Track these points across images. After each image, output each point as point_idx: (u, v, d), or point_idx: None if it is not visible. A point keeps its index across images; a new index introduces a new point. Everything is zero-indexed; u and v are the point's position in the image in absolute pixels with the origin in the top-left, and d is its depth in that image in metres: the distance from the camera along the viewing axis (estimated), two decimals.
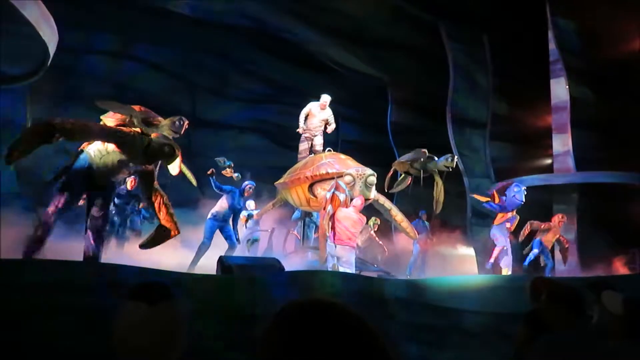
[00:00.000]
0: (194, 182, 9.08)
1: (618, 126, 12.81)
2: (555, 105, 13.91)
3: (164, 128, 6.56)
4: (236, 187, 9.24)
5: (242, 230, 9.87)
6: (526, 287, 3.26)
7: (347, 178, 8.02)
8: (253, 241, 10.04)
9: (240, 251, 9.48)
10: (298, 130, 9.92)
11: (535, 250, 10.98)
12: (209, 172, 9.06)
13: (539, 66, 14.06)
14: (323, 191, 8.43)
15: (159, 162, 6.38)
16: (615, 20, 12.98)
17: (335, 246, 7.51)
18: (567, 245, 11.49)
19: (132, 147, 5.83)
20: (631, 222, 12.65)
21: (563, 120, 13.55)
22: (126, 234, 9.55)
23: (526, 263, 10.78)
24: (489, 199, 10.79)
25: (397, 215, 9.03)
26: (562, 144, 13.53)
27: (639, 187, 12.47)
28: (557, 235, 11.23)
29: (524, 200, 10.20)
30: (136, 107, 6.59)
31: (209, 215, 8.92)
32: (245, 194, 9.19)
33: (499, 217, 10.48)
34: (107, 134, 5.82)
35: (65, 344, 3.39)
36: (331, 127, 9.97)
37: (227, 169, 9.87)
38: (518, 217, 10.55)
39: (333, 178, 8.44)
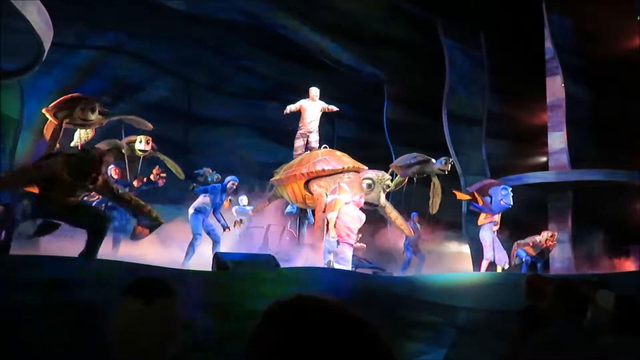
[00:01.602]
0: (181, 175, 9.12)
1: (613, 124, 12.85)
2: (550, 103, 13.95)
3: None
4: (216, 184, 9.11)
5: (229, 218, 9.85)
6: (522, 284, 3.28)
7: (367, 181, 7.97)
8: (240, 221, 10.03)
9: (232, 241, 9.46)
10: (285, 111, 9.79)
11: (528, 258, 10.99)
12: (191, 189, 9.08)
13: (535, 64, 14.09)
14: (319, 188, 8.43)
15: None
16: (611, 18, 13.01)
17: (338, 243, 7.53)
18: (551, 250, 11.46)
19: (60, 174, 5.64)
20: (625, 219, 12.72)
21: (558, 118, 13.58)
22: (116, 233, 9.48)
23: (523, 271, 10.73)
24: (470, 197, 10.71)
25: (392, 212, 9.02)
26: (557, 141, 13.57)
27: (633, 185, 12.53)
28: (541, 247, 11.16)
29: (511, 203, 10.11)
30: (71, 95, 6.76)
31: (191, 210, 8.88)
32: (230, 190, 9.01)
33: (483, 217, 10.39)
34: (26, 177, 5.62)
35: (61, 340, 3.38)
36: (327, 108, 9.89)
37: (206, 174, 9.84)
38: (499, 214, 10.49)
39: (329, 175, 8.44)
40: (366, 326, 0.77)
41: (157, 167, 9.46)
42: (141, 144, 9.29)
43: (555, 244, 11.44)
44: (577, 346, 2.05)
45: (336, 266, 7.49)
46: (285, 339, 0.74)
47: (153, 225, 6.48)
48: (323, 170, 8.51)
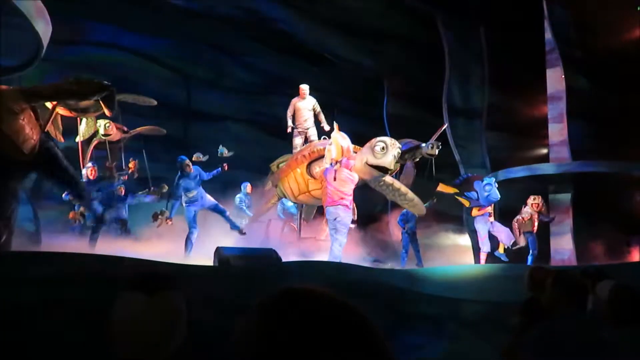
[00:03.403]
0: (162, 132, 8.83)
1: (614, 116, 12.82)
2: (551, 95, 13.92)
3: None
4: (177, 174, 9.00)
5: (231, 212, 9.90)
6: (524, 276, 3.28)
7: (381, 144, 7.90)
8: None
9: (233, 236, 9.50)
10: (287, 130, 9.79)
11: (536, 252, 11.06)
12: (169, 223, 9.00)
13: (535, 56, 14.04)
14: (320, 168, 8.44)
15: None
16: (612, 9, 12.95)
17: (331, 209, 7.58)
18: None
19: None
20: (626, 211, 12.72)
21: (559, 110, 13.55)
22: (113, 225, 9.45)
23: (529, 263, 10.78)
24: (456, 191, 10.73)
25: (401, 187, 8.85)
26: (558, 133, 13.55)
27: (634, 177, 12.52)
28: (536, 220, 11.25)
29: (499, 196, 10.22)
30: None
31: (184, 204, 8.90)
32: (188, 170, 8.78)
33: (475, 209, 10.50)
34: None
35: (62, 336, 3.39)
36: (322, 117, 9.85)
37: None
38: (492, 206, 10.56)
39: None
40: (355, 314, 0.77)
41: (133, 161, 9.44)
42: (101, 128, 9.24)
43: (542, 206, 11.46)
44: (578, 338, 2.06)
45: (333, 231, 7.55)
46: (275, 331, 0.73)
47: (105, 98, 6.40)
48: (325, 149, 8.53)
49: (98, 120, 9.33)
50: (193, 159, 9.47)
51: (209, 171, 9.23)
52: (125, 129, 9.85)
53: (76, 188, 6.08)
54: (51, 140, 6.19)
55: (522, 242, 11.14)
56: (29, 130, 5.66)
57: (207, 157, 10.36)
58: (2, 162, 5.52)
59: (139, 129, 9.88)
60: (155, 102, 8.57)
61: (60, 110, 7.71)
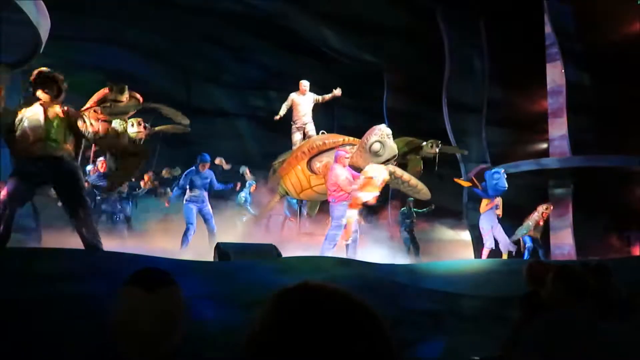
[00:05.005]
0: (185, 120, 8.76)
1: (614, 110, 12.81)
2: (551, 90, 13.89)
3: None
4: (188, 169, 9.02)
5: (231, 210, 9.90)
6: (523, 271, 3.29)
7: (376, 146, 7.65)
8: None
9: (233, 231, 9.49)
10: (275, 117, 9.74)
11: (530, 245, 11.05)
12: (167, 205, 8.93)
13: (535, 51, 14.01)
14: (320, 163, 8.42)
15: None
16: (611, 3, 12.92)
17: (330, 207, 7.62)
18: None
19: None
20: (626, 205, 12.72)
21: (559, 105, 13.53)
22: (118, 221, 9.47)
23: (526, 258, 10.76)
24: (470, 184, 10.75)
25: (404, 174, 8.80)
26: (558, 128, 13.54)
27: (634, 171, 12.52)
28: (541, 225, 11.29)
29: (506, 186, 10.16)
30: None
31: (184, 202, 8.89)
32: (201, 169, 8.82)
33: (484, 204, 10.46)
34: None
35: (63, 333, 3.40)
36: (325, 97, 9.83)
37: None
38: (501, 199, 10.53)
39: (330, 149, 8.41)
40: (370, 313, 0.78)
41: (150, 173, 9.43)
42: (133, 127, 9.17)
43: (550, 208, 11.50)
44: (578, 332, 2.06)
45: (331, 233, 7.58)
46: (290, 325, 0.74)
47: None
48: (324, 144, 8.49)
49: (129, 120, 9.30)
50: (216, 162, 9.50)
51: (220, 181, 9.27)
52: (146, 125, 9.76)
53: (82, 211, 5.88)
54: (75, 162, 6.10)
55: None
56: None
57: (229, 166, 10.36)
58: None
59: (161, 128, 9.78)
60: (188, 129, 8.40)
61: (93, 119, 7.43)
